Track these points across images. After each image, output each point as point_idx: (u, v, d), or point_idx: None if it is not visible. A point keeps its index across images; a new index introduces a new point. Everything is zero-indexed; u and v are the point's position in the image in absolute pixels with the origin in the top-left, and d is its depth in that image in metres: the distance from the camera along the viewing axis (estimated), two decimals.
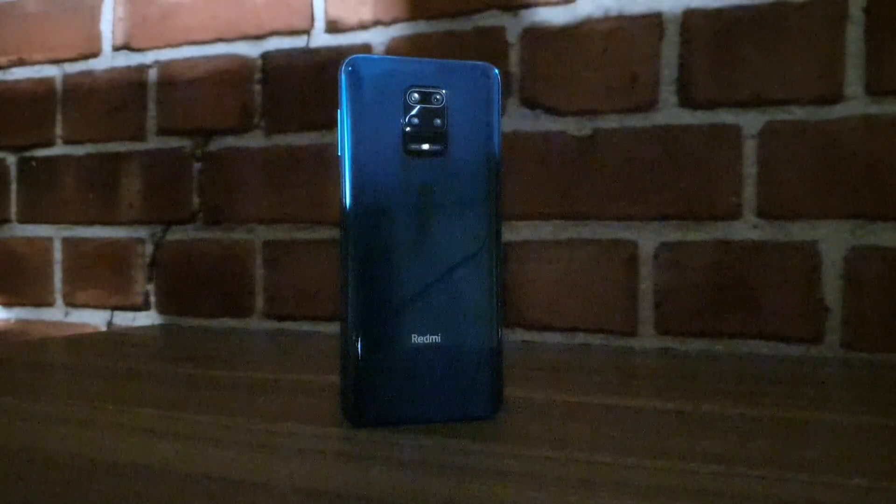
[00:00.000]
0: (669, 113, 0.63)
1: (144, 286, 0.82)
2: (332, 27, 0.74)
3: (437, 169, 0.34)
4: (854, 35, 0.58)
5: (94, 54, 0.84)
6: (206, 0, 0.79)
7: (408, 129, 0.34)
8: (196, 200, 0.80)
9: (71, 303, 0.86)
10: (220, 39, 0.78)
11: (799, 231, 0.59)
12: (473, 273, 0.34)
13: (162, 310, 0.81)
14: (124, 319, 0.83)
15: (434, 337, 0.34)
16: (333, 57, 0.74)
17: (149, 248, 0.82)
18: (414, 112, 0.34)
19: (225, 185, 0.78)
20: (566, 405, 0.39)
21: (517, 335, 0.67)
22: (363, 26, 0.72)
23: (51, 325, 0.87)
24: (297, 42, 0.75)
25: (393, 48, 0.71)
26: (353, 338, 0.33)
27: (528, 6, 0.67)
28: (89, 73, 0.84)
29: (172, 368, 0.51)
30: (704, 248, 0.62)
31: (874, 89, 0.58)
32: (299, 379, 0.47)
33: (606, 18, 0.64)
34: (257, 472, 0.27)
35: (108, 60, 0.84)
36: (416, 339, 0.34)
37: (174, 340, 0.67)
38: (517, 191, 0.67)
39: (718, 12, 0.61)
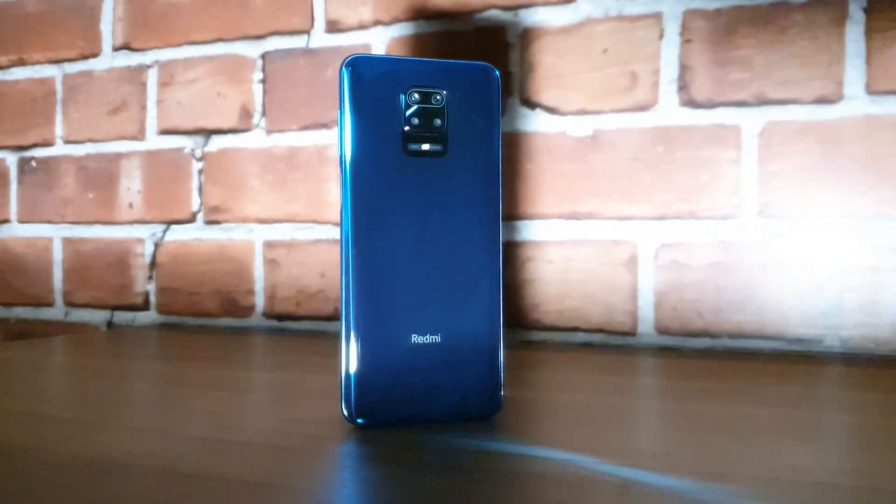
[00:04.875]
0: (669, 113, 0.63)
1: (144, 286, 0.82)
2: (332, 27, 0.74)
3: (437, 169, 0.34)
4: (854, 35, 0.58)
5: (94, 54, 0.84)
6: (205, 0, 0.79)
7: (408, 129, 0.34)
8: (196, 200, 0.80)
9: (71, 303, 0.86)
10: (220, 39, 0.78)
11: (799, 231, 0.59)
12: (473, 273, 0.34)
13: (162, 310, 0.81)
14: (124, 319, 0.83)
15: (434, 337, 0.34)
16: (333, 57, 0.74)
17: (149, 248, 0.82)
18: (414, 112, 0.34)
19: (225, 185, 0.78)
20: (566, 405, 0.39)
21: (517, 335, 0.67)
22: (363, 26, 0.72)
23: (51, 325, 0.87)
24: (297, 42, 0.75)
25: (393, 48, 0.71)
26: (354, 338, 0.33)
27: (528, 6, 0.67)
28: (89, 73, 0.85)
29: (172, 368, 0.51)
30: (704, 248, 0.62)
31: (874, 89, 0.58)
32: (299, 379, 0.47)
33: (606, 18, 0.64)
34: (257, 471, 0.27)
35: (108, 60, 0.84)
36: (416, 338, 0.34)
37: (174, 340, 0.67)
38: (517, 191, 0.67)
39: (718, 12, 0.61)
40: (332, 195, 0.74)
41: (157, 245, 0.82)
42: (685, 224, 0.62)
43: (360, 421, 0.33)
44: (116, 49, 0.83)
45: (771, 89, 0.60)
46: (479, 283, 0.34)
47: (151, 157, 0.82)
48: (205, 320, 0.79)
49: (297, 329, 0.75)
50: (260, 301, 0.77)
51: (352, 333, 0.33)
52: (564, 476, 0.27)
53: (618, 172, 0.64)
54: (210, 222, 0.79)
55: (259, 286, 0.77)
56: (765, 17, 0.60)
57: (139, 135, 0.82)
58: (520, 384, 0.45)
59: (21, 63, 0.88)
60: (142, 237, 0.82)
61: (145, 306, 0.82)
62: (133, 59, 0.82)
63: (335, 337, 0.68)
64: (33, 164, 0.88)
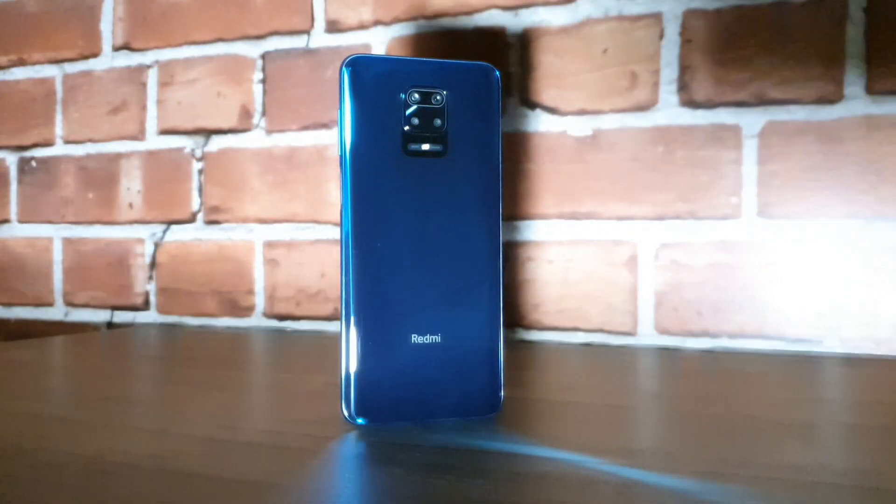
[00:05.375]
0: (669, 113, 0.63)
1: (144, 286, 0.82)
2: (332, 27, 0.74)
3: (437, 169, 0.34)
4: (854, 35, 0.58)
5: (94, 54, 0.84)
6: (205, 0, 0.79)
7: (408, 129, 0.34)
8: (196, 200, 0.80)
9: (71, 303, 0.86)
10: (220, 39, 0.78)
11: (799, 231, 0.59)
12: (473, 273, 0.34)
13: (162, 310, 0.81)
14: (124, 319, 0.83)
15: (434, 337, 0.34)
16: (333, 57, 0.74)
17: (149, 248, 0.82)
18: (414, 112, 0.34)
19: (225, 185, 0.78)
20: (566, 405, 0.39)
21: (517, 335, 0.67)
22: (363, 26, 0.72)
23: (51, 325, 0.87)
24: (297, 42, 0.75)
25: (393, 48, 0.71)
26: (354, 338, 0.33)
27: (528, 6, 0.67)
28: (89, 73, 0.85)
29: (172, 368, 0.51)
30: (704, 248, 0.62)
31: (874, 89, 0.58)
32: (299, 379, 0.47)
33: (606, 18, 0.64)
34: (257, 471, 0.27)
35: (108, 60, 0.84)
36: (416, 338, 0.34)
37: (174, 340, 0.67)
38: (517, 191, 0.67)
39: (718, 12, 0.61)
40: (332, 195, 0.74)
41: (157, 245, 0.82)
42: (685, 224, 0.62)
43: (360, 421, 0.33)
44: (116, 49, 0.83)
45: (771, 89, 0.60)
46: (479, 283, 0.34)
47: (151, 157, 0.82)
48: (205, 320, 0.79)
49: (297, 329, 0.75)
50: (260, 301, 0.77)
51: (352, 333, 0.33)
52: (565, 476, 0.27)
53: (618, 172, 0.64)
54: (210, 222, 0.79)
55: (259, 286, 0.77)
56: (765, 17, 0.60)
57: (139, 135, 0.82)
58: (520, 384, 0.45)
59: (21, 63, 0.88)
60: (142, 237, 0.82)
61: (145, 306, 0.82)
62: (133, 59, 0.82)
63: (335, 337, 0.68)
64: (33, 164, 0.88)
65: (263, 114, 0.77)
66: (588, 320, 0.65)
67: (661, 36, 0.63)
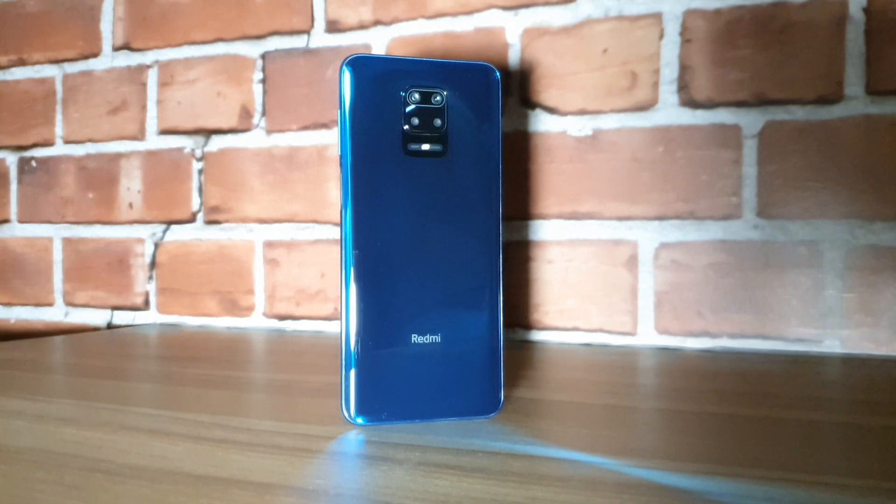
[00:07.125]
0: (669, 113, 0.63)
1: (144, 286, 0.82)
2: (332, 27, 0.74)
3: (437, 169, 0.34)
4: (854, 35, 0.58)
5: (94, 54, 0.84)
6: (205, 0, 0.79)
7: (408, 128, 0.34)
8: (196, 200, 0.80)
9: (71, 303, 0.86)
10: (220, 39, 0.78)
11: (799, 231, 0.59)
12: (473, 273, 0.34)
13: (162, 310, 0.81)
14: (124, 319, 0.83)
15: (434, 337, 0.34)
16: (333, 57, 0.74)
17: (149, 248, 0.82)
18: (414, 112, 0.34)
19: (225, 185, 0.78)
20: (566, 405, 0.39)
21: (517, 335, 0.67)
22: (363, 26, 0.72)
23: (51, 325, 0.87)
24: (297, 42, 0.75)
25: (393, 48, 0.71)
26: (354, 337, 0.33)
27: (528, 6, 0.67)
28: (89, 73, 0.85)
29: (172, 368, 0.51)
30: (704, 248, 0.62)
31: (874, 89, 0.58)
32: (299, 379, 0.47)
33: (606, 18, 0.64)
34: (257, 472, 0.27)
35: (108, 60, 0.84)
36: (416, 338, 0.34)
37: (174, 340, 0.67)
38: (517, 191, 0.67)
39: (718, 12, 0.61)
40: (332, 195, 0.74)
41: (157, 245, 0.82)
42: (685, 224, 0.62)
43: (360, 420, 0.33)
44: (116, 49, 0.83)
45: (771, 89, 0.60)
46: (479, 283, 0.34)
47: (151, 157, 0.82)
48: (205, 320, 0.79)
49: (297, 329, 0.75)
50: (260, 301, 0.77)
51: (352, 333, 0.33)
52: (565, 476, 0.27)
53: (618, 172, 0.64)
54: (210, 222, 0.79)
55: (259, 286, 0.77)
56: (765, 17, 0.60)
57: (139, 135, 0.82)
58: (520, 384, 0.45)
59: (21, 63, 0.88)
60: (142, 237, 0.82)
61: (145, 306, 0.82)
62: (133, 59, 0.82)
63: (335, 337, 0.68)
64: (33, 164, 0.88)
65: (263, 114, 0.77)
66: (588, 320, 0.65)
67: (661, 36, 0.63)
